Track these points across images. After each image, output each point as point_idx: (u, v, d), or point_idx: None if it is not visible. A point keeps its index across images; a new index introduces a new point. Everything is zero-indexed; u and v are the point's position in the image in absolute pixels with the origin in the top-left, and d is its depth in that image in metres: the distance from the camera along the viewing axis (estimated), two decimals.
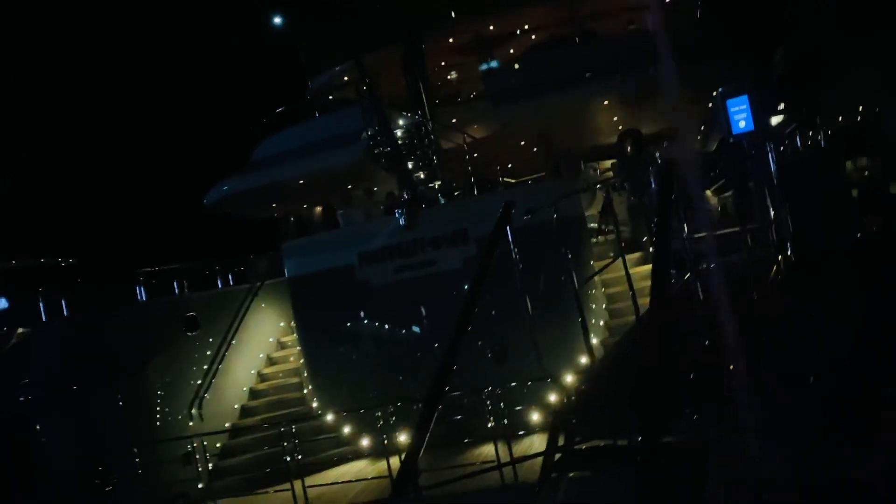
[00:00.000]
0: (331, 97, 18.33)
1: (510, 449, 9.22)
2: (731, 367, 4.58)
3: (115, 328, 12.08)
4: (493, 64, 16.23)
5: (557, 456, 4.41)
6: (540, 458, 4.63)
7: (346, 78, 17.63)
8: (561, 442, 4.87)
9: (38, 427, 11.39)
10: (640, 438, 3.52)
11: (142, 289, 13.20)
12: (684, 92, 15.12)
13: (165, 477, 10.92)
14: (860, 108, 25.71)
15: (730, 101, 6.52)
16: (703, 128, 19.00)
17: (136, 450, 10.69)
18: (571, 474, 4.55)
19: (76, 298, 12.51)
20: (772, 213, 7.61)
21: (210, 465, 11.06)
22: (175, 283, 14.05)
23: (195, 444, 10.89)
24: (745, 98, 6.46)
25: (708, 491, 3.92)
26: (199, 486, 10.73)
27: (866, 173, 23.01)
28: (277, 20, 15.66)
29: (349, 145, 13.96)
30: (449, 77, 18.24)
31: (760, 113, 6.56)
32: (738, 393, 4.70)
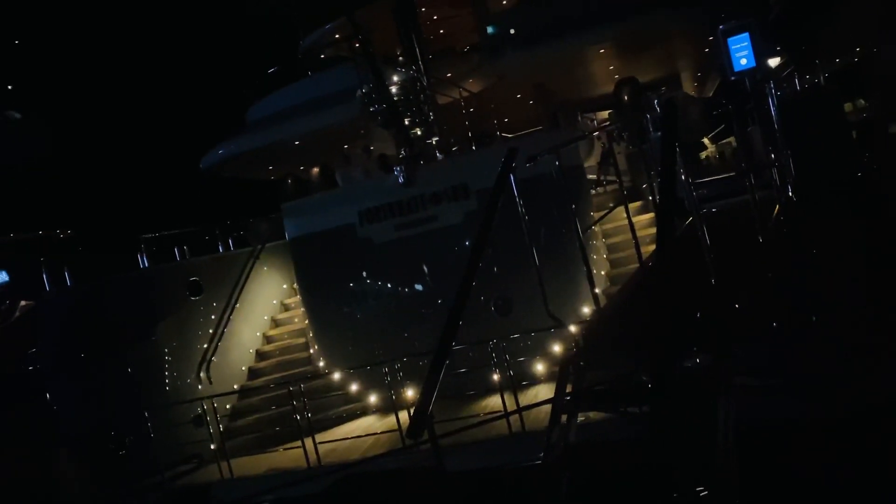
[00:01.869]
0: (323, 55, 18.11)
1: (516, 398, 9.33)
2: (737, 306, 4.63)
3: (120, 295, 12.14)
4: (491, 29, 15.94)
5: (567, 399, 4.47)
6: (545, 408, 4.70)
7: (337, 35, 17.38)
8: (569, 388, 4.94)
9: (48, 395, 11.53)
10: (649, 377, 3.57)
11: (143, 255, 13.23)
12: (681, 36, 14.93)
13: (178, 439, 11.08)
14: (857, 49, 25.40)
15: (731, 39, 6.44)
16: (700, 73, 18.84)
17: (146, 414, 10.82)
18: (581, 417, 4.63)
19: (78, 267, 12.53)
20: (772, 154, 7.60)
21: (221, 426, 11.21)
22: (176, 249, 14.08)
23: (205, 407, 11.03)
24: (746, 36, 6.37)
25: (716, 427, 3.99)
26: (212, 446, 10.89)
27: (864, 115, 22.85)
28: None
29: (344, 103, 13.84)
30: (442, 31, 17.98)
31: (761, 51, 6.49)
32: (743, 332, 4.76)
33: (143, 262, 13.23)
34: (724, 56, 6.51)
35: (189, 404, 11.42)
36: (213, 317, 13.20)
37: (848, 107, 21.24)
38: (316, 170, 16.63)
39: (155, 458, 10.60)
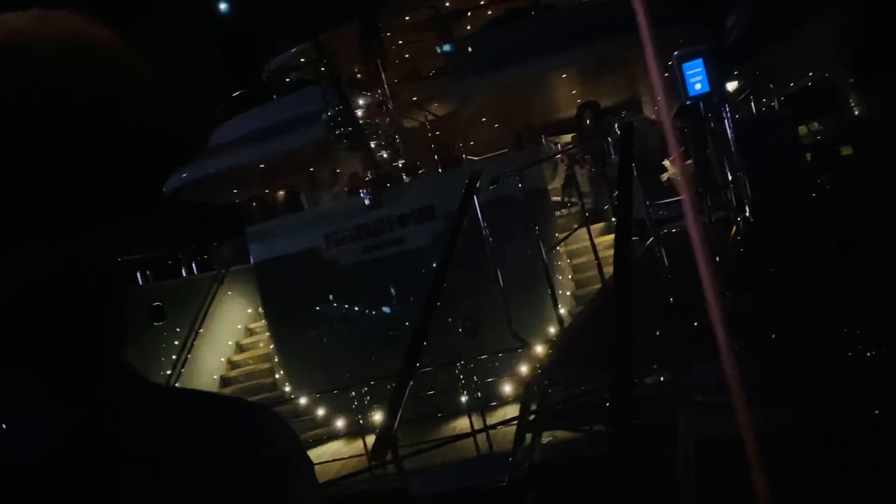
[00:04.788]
0: (288, 79, 18.12)
1: (484, 420, 9.33)
2: (696, 324, 4.73)
3: None
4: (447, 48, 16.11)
5: (531, 418, 4.51)
6: (513, 429, 4.72)
7: (302, 59, 17.42)
8: (534, 406, 4.97)
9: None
10: (609, 394, 3.63)
11: None
12: (640, 61, 15.25)
13: None
14: (811, 74, 26.17)
15: (685, 65, 6.64)
16: (659, 98, 19.23)
17: None
18: (546, 437, 4.67)
19: None
20: (729, 176, 7.80)
21: None
22: (138, 273, 13.88)
23: None
24: (700, 61, 6.57)
25: (676, 444, 4.06)
26: None
27: (818, 137, 23.50)
28: (223, 6, 15.35)
29: (310, 126, 13.85)
30: (407, 55, 18.14)
31: (716, 75, 6.69)
32: (703, 349, 4.85)
33: None
34: (679, 81, 6.68)
35: None
36: (176, 343, 13.02)
37: (802, 130, 21.81)
38: (281, 193, 16.55)
39: None
